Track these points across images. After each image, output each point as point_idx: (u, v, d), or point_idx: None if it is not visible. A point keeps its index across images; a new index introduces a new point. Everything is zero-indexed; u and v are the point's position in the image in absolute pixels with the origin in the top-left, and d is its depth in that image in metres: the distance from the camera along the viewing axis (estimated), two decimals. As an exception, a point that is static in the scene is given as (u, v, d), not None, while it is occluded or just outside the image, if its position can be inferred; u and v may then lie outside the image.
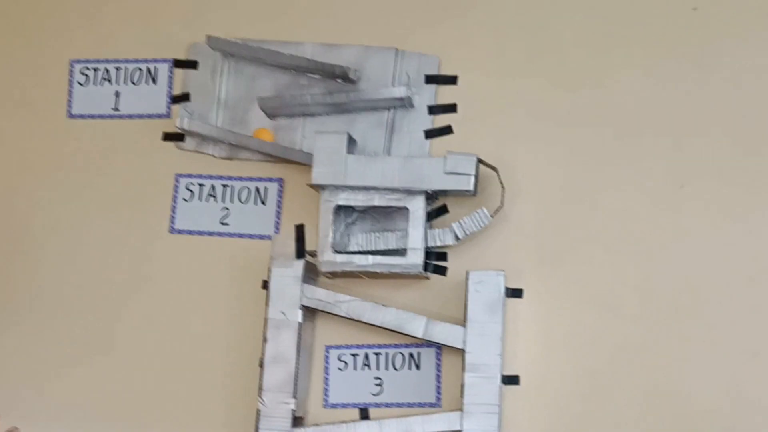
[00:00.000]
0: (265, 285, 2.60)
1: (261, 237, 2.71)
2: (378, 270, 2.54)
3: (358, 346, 2.63)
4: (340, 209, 2.58)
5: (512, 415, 2.53)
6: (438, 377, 2.59)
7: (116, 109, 2.83)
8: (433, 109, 2.67)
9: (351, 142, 2.58)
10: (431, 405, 2.58)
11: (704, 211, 2.55)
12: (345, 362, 2.63)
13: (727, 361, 2.49)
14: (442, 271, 2.61)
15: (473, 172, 2.52)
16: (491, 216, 2.53)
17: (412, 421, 2.50)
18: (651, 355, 2.52)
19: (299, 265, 2.57)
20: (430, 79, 2.68)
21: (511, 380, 2.53)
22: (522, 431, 2.53)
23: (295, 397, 2.52)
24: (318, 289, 2.57)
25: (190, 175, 2.77)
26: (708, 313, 2.52)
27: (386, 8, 2.74)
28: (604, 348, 2.54)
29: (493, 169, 2.55)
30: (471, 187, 2.52)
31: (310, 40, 2.74)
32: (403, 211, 2.56)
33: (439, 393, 2.58)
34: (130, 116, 2.83)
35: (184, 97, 2.79)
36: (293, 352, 2.53)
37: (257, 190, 2.74)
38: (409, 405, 2.59)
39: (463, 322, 2.50)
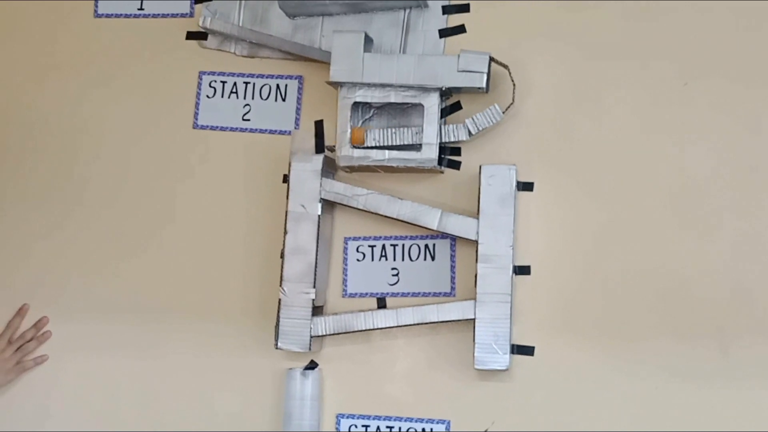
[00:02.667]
0: (286, 179, 2.65)
1: (281, 132, 2.76)
2: (394, 164, 2.59)
3: (376, 238, 2.69)
4: (357, 106, 2.62)
5: (523, 304, 2.59)
6: (452, 267, 2.65)
7: (141, 9, 2.86)
8: (447, 9, 2.68)
9: (368, 40, 2.61)
10: (446, 294, 2.64)
11: (706, 106, 2.57)
12: (363, 253, 2.69)
13: (728, 251, 2.54)
14: (455, 165, 2.65)
15: (485, 69, 2.55)
16: (503, 112, 2.57)
17: (427, 309, 2.56)
18: (655, 243, 2.56)
19: (318, 159, 2.62)
20: (445, -21, 2.70)
21: (522, 270, 2.59)
22: (533, 319, 2.59)
23: (314, 286, 2.58)
24: (336, 183, 2.62)
25: (213, 73, 2.81)
26: (711, 204, 2.56)
27: None
28: (611, 239, 2.58)
29: (505, 67, 2.58)
30: (483, 85, 2.55)
31: (329, -60, 2.75)
32: (418, 107, 2.60)
33: (453, 283, 2.64)
34: (154, 15, 2.86)
35: (206, -3, 2.82)
36: (313, 243, 2.59)
37: (278, 87, 2.78)
38: (425, 294, 2.65)
39: (476, 215, 2.55)
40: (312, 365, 2.66)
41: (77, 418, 2.79)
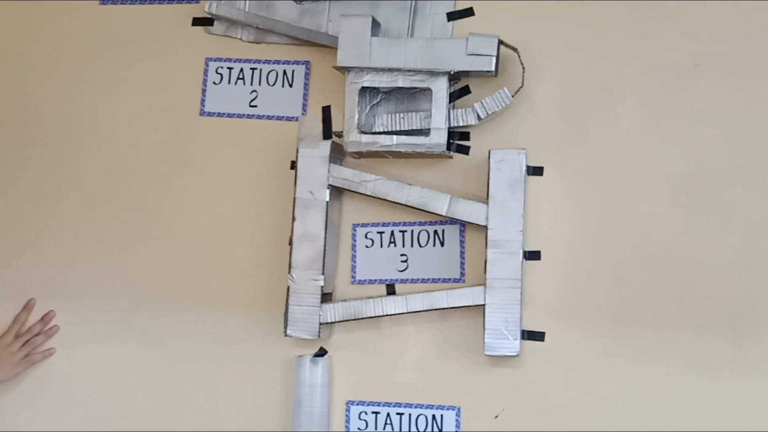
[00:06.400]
0: (293, 165, 2.65)
1: (288, 118, 2.77)
2: (402, 149, 2.59)
3: (384, 224, 2.70)
4: (365, 91, 2.63)
5: (534, 289, 2.60)
6: (462, 253, 2.65)
7: (147, -5, 2.87)
8: (455, -8, 2.69)
9: (375, 25, 2.61)
10: (455, 280, 2.65)
11: (718, 90, 2.57)
12: (372, 240, 2.70)
13: (738, 234, 2.54)
14: (464, 150, 2.66)
15: (494, 53, 2.55)
16: (512, 96, 2.57)
17: (437, 295, 2.57)
18: (665, 229, 2.57)
19: (326, 145, 2.62)
20: (452, -38, 2.70)
21: (532, 255, 2.60)
22: (543, 304, 2.61)
23: (323, 273, 2.60)
24: (344, 169, 2.63)
25: (219, 59, 2.82)
26: (720, 188, 2.56)
27: None
28: (621, 223, 2.59)
29: (514, 50, 2.58)
30: (492, 68, 2.55)
31: None
32: (427, 92, 2.61)
33: (462, 268, 2.65)
34: (160, 2, 2.87)
35: (212, -18, 2.82)
36: (321, 230, 2.60)
37: (285, 72, 2.78)
38: (434, 280, 2.67)
39: (485, 200, 2.56)
40: (321, 352, 2.68)
41: (88, 408, 2.82)
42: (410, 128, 2.63)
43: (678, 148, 2.59)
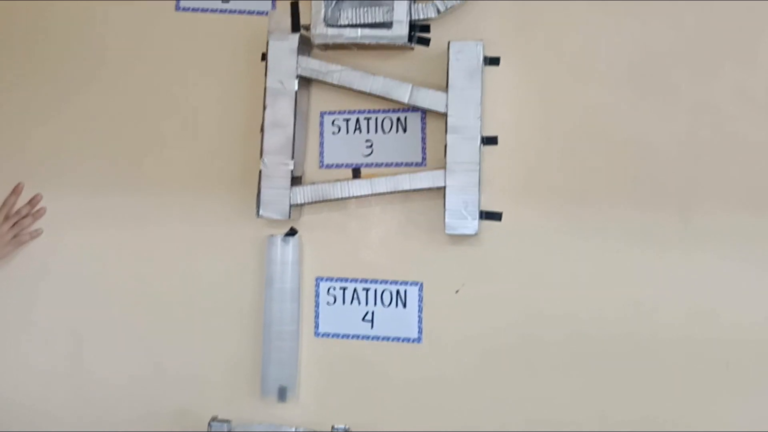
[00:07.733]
0: (264, 57, 2.69)
1: (259, 13, 2.80)
2: (366, 41, 2.65)
3: (350, 112, 2.75)
4: (331, -15, 2.66)
5: (491, 172, 2.66)
6: (423, 139, 2.72)
7: None
8: None
9: None
10: (417, 164, 2.72)
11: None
12: (338, 126, 2.76)
13: (685, 115, 2.60)
14: (425, 41, 2.70)
15: (452, -51, 2.60)
16: None
17: (400, 179, 2.64)
18: (615, 113, 2.63)
19: (294, 38, 2.67)
20: None
21: (489, 140, 2.65)
22: (500, 186, 2.67)
23: (293, 158, 2.65)
24: (312, 60, 2.69)
25: (189, -42, 2.85)
26: (670, 74, 2.61)
27: None
28: (574, 109, 2.65)
29: (470, -54, 2.62)
30: (451, -37, 2.60)
31: None
32: (389, -14, 2.64)
33: (424, 153, 2.71)
34: None
35: None
36: (290, 117, 2.65)
37: (254, -30, 2.81)
38: (397, 164, 2.73)
39: (445, 89, 2.62)
40: (292, 232, 2.75)
41: (73, 282, 2.89)
42: (374, 21, 2.65)
43: (628, 35, 2.62)
